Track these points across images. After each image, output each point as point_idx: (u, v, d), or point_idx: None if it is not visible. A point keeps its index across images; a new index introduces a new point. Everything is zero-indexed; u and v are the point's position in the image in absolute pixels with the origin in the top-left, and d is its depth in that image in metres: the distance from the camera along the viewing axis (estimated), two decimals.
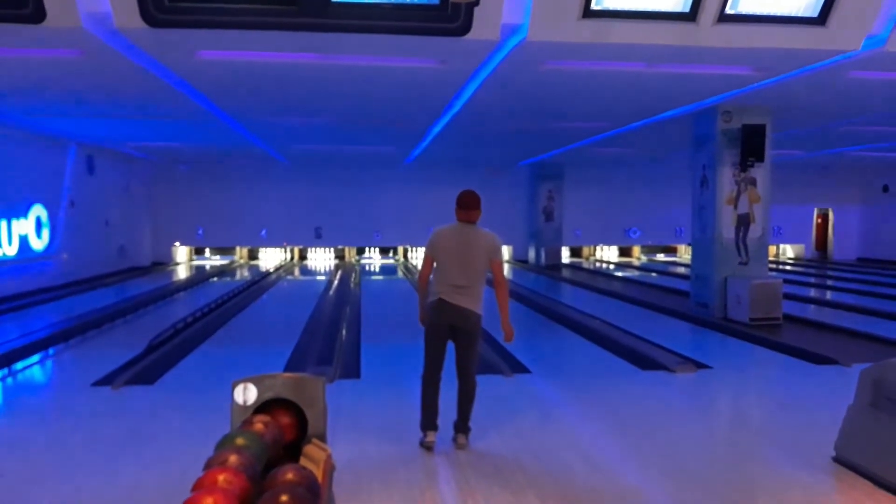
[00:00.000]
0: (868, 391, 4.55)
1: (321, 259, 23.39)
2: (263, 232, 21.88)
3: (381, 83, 8.78)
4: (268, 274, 18.75)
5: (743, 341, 9.39)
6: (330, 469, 3.28)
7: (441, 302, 4.89)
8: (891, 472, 4.20)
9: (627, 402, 6.39)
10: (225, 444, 2.93)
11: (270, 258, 23.15)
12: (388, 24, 6.30)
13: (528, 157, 19.32)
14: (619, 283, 17.42)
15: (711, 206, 10.90)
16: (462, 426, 5.00)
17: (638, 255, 24.61)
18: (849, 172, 23.02)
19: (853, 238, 24.09)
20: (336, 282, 16.73)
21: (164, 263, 21.22)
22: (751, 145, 10.53)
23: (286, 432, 3.40)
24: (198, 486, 2.50)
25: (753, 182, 10.78)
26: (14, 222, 13.45)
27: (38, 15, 5.90)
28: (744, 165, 10.67)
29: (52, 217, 14.92)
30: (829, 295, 15.35)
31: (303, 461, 3.22)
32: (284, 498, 2.50)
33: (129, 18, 6.01)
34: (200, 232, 21.64)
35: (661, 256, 24.73)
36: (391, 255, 24.04)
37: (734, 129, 10.62)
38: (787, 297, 11.04)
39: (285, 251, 23.30)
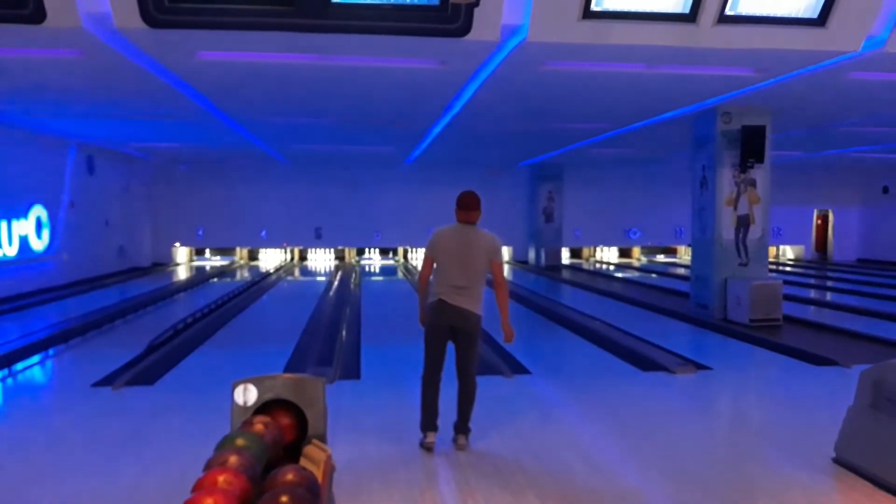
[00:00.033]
0: (868, 392, 4.55)
1: (321, 260, 23.39)
2: (263, 232, 21.88)
3: (381, 84, 8.79)
4: (268, 274, 18.75)
5: (743, 342, 9.39)
6: (330, 470, 3.28)
7: (441, 303, 4.89)
8: (891, 473, 4.20)
9: (627, 402, 6.39)
10: (225, 444, 2.93)
11: (270, 259, 23.15)
12: (387, 24, 6.30)
13: (528, 157, 19.33)
14: (619, 283, 17.42)
15: (711, 207, 10.90)
16: (462, 427, 5.00)
17: (638, 256, 24.60)
18: (849, 173, 23.04)
19: (853, 239, 24.10)
20: (336, 282, 16.73)
21: (164, 264, 21.22)
22: (750, 146, 10.53)
23: (286, 433, 3.41)
24: (198, 487, 2.51)
25: (753, 183, 10.79)
26: (14, 223, 13.45)
27: (39, 15, 5.90)
28: (743, 166, 10.67)
29: (52, 217, 14.93)
30: (829, 296, 15.35)
31: (303, 462, 3.22)
32: (285, 499, 2.50)
33: (129, 19, 6.01)
34: (200, 232, 21.64)
35: (661, 257, 24.73)
36: (391, 255, 24.03)
37: (734, 131, 10.62)
38: (787, 298, 11.04)
39: (285, 252, 23.30)
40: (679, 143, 14.12)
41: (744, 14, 6.68)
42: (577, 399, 6.51)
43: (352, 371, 7.42)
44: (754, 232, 10.87)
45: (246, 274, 19.33)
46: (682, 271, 19.18)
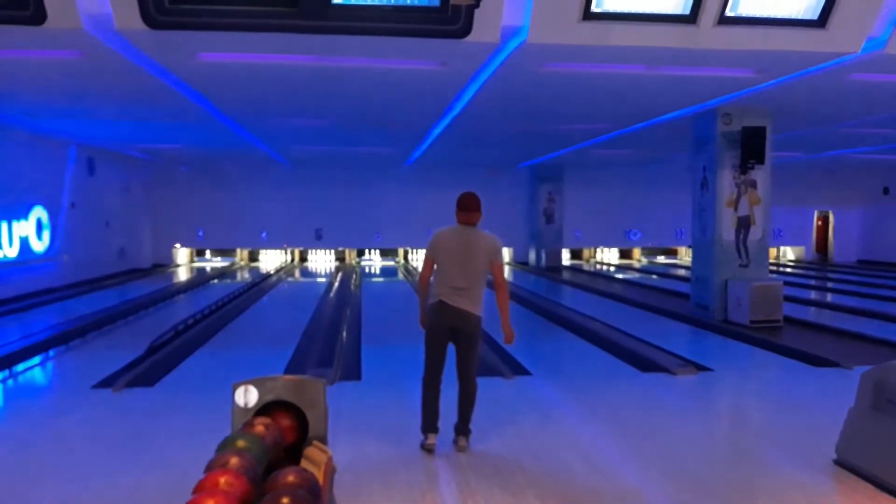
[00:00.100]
0: (869, 393, 4.54)
1: (321, 261, 23.40)
2: (264, 234, 21.89)
3: (381, 85, 8.79)
4: (268, 276, 18.75)
5: (743, 343, 9.39)
6: (331, 471, 3.28)
7: (441, 304, 4.89)
8: (892, 474, 4.19)
9: (628, 403, 6.39)
10: (226, 446, 2.93)
11: (271, 260, 23.15)
12: (388, 26, 6.30)
13: (529, 158, 19.33)
14: (619, 285, 17.42)
15: (712, 208, 10.90)
16: (462, 428, 4.99)
17: (638, 257, 24.60)
18: (849, 174, 23.03)
19: (853, 240, 24.10)
20: (336, 284, 16.74)
21: (165, 265, 21.22)
22: (751, 147, 10.53)
23: (287, 434, 3.40)
24: (199, 489, 2.50)
25: (754, 184, 10.78)
26: (15, 224, 13.45)
27: (39, 16, 5.91)
28: (744, 167, 10.67)
29: (52, 218, 14.93)
30: (829, 297, 15.35)
31: (304, 463, 3.22)
32: (285, 500, 2.50)
33: (130, 20, 6.02)
34: (201, 234, 21.65)
35: (661, 258, 24.72)
36: (392, 256, 24.03)
37: (734, 132, 10.62)
38: (788, 299, 11.03)
39: (286, 253, 23.30)
40: (679, 145, 14.12)
41: (744, 15, 6.69)
42: (577, 400, 6.50)
43: (352, 372, 7.42)
44: (755, 233, 10.87)
45: (246, 275, 19.34)
46: (682, 272, 19.17)
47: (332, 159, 18.72)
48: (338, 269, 21.02)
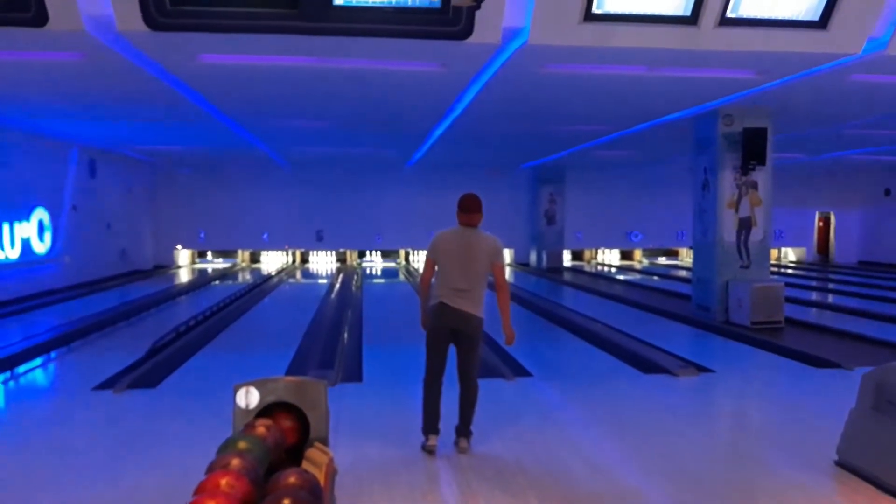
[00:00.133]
0: (870, 394, 4.54)
1: (323, 262, 23.40)
2: (265, 235, 21.90)
3: (382, 86, 8.80)
4: (269, 277, 18.75)
5: (745, 345, 9.38)
6: (332, 472, 3.29)
7: (442, 305, 4.89)
8: (893, 475, 4.19)
9: (629, 405, 6.39)
10: (227, 447, 2.93)
11: (272, 261, 23.14)
12: (389, 27, 6.31)
13: (530, 160, 19.33)
14: (620, 286, 17.41)
15: (713, 209, 10.90)
16: (464, 430, 4.99)
17: (639, 259, 24.59)
18: (850, 176, 23.02)
19: (855, 241, 24.08)
20: (338, 285, 16.74)
21: (166, 267, 21.23)
22: (752, 148, 10.52)
23: (288, 436, 3.41)
24: (200, 490, 2.51)
25: (755, 185, 10.78)
26: (16, 225, 13.47)
27: (41, 18, 5.92)
28: (745, 169, 10.66)
29: (54, 220, 14.94)
30: (830, 298, 15.33)
31: (305, 465, 3.22)
32: (287, 501, 2.50)
33: (131, 22, 6.03)
34: (202, 235, 21.66)
35: (662, 260, 24.70)
36: (393, 258, 24.03)
37: (735, 133, 10.61)
38: (789, 300, 11.02)
39: (287, 254, 23.30)
40: (680, 146, 14.12)
41: (745, 17, 6.68)
42: (578, 401, 6.50)
43: (353, 374, 7.42)
44: (756, 234, 10.87)
45: (247, 276, 19.34)
46: (683, 273, 19.16)
47: (333, 161, 18.73)
48: (339, 270, 21.02)
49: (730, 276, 10.81)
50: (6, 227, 13.12)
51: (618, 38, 6.67)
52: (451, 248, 4.93)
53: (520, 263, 22.80)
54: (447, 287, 4.89)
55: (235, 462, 2.71)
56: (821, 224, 24.72)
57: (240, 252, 23.18)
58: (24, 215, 13.80)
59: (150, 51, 7.04)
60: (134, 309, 11.81)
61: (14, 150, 13.25)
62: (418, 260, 22.95)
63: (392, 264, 23.05)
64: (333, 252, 23.35)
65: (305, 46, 6.80)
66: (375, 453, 4.93)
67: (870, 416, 4.51)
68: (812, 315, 12.18)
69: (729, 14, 6.62)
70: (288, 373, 7.36)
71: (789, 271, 20.70)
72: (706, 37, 6.72)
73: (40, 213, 14.38)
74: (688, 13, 6.57)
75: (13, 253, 13.30)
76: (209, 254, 23.45)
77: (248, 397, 3.46)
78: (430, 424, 4.95)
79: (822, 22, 6.75)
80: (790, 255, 25.05)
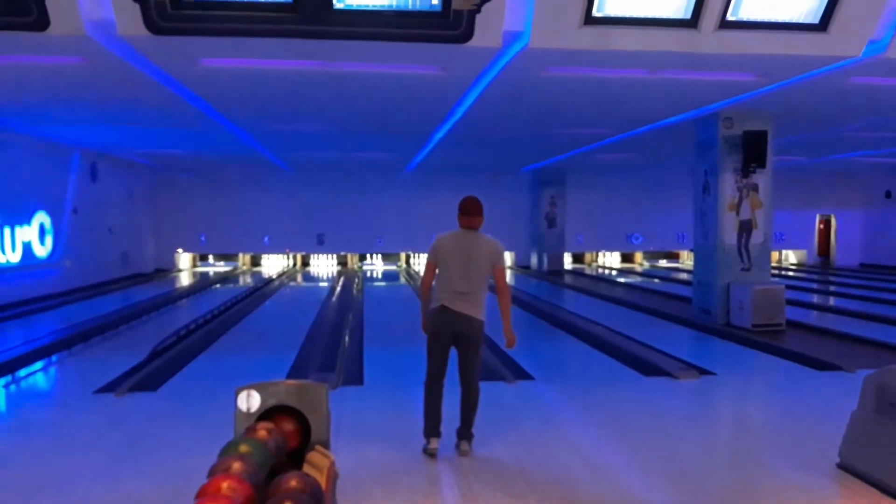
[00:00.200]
0: (872, 397, 4.54)
1: (324, 265, 23.42)
2: (266, 239, 21.91)
3: (383, 90, 8.81)
4: (270, 280, 18.76)
5: (746, 347, 9.37)
6: (333, 476, 3.29)
7: (443, 308, 4.89)
8: (895, 477, 4.18)
9: (630, 408, 6.38)
10: (228, 451, 2.93)
11: (273, 265, 23.17)
12: (390, 31, 6.32)
13: (530, 162, 19.35)
14: (621, 288, 17.41)
15: (713, 211, 10.90)
16: (465, 433, 4.99)
17: (640, 261, 24.60)
18: (851, 178, 23.03)
19: (856, 244, 24.07)
20: (338, 288, 16.74)
21: (167, 270, 21.24)
22: (752, 151, 10.53)
23: (289, 439, 3.41)
24: (202, 494, 2.51)
25: (755, 188, 10.78)
26: (17, 229, 13.48)
27: (42, 23, 5.93)
28: (745, 171, 10.67)
29: (55, 224, 14.96)
30: (832, 301, 15.33)
31: (306, 468, 3.22)
32: None
33: (132, 26, 6.04)
34: (203, 239, 21.67)
35: (663, 262, 24.71)
36: (394, 261, 24.04)
37: (736, 136, 10.62)
38: (790, 302, 11.02)
39: (288, 258, 23.32)
40: (681, 149, 14.12)
41: (745, 19, 6.69)
42: (579, 404, 6.50)
43: (355, 377, 7.42)
44: (757, 237, 10.87)
45: (248, 280, 19.35)
46: (684, 276, 19.17)
47: (334, 164, 18.75)
48: (340, 273, 21.03)
49: (731, 279, 10.81)
50: (7, 230, 13.14)
51: (618, 42, 6.68)
52: (452, 251, 4.93)
53: (520, 266, 22.80)
54: (448, 290, 4.90)
55: (237, 465, 2.72)
56: (822, 226, 24.72)
57: (241, 255, 23.22)
58: (26, 219, 13.82)
59: (151, 55, 7.05)
60: (135, 312, 11.81)
61: (15, 153, 13.27)
62: (419, 263, 22.96)
63: (393, 267, 23.06)
64: (334, 255, 23.37)
65: (306, 50, 6.82)
66: (377, 456, 4.93)
67: (871, 418, 4.51)
68: (813, 317, 12.17)
69: (729, 17, 6.62)
70: (289, 376, 7.36)
71: (790, 274, 20.68)
72: (706, 40, 6.73)
73: (41, 217, 14.40)
74: (688, 16, 6.58)
75: (14, 257, 13.32)
76: (210, 257, 23.49)
77: (250, 400, 3.47)
78: (432, 427, 4.95)
79: (822, 25, 6.76)
80: (791, 257, 25.04)
